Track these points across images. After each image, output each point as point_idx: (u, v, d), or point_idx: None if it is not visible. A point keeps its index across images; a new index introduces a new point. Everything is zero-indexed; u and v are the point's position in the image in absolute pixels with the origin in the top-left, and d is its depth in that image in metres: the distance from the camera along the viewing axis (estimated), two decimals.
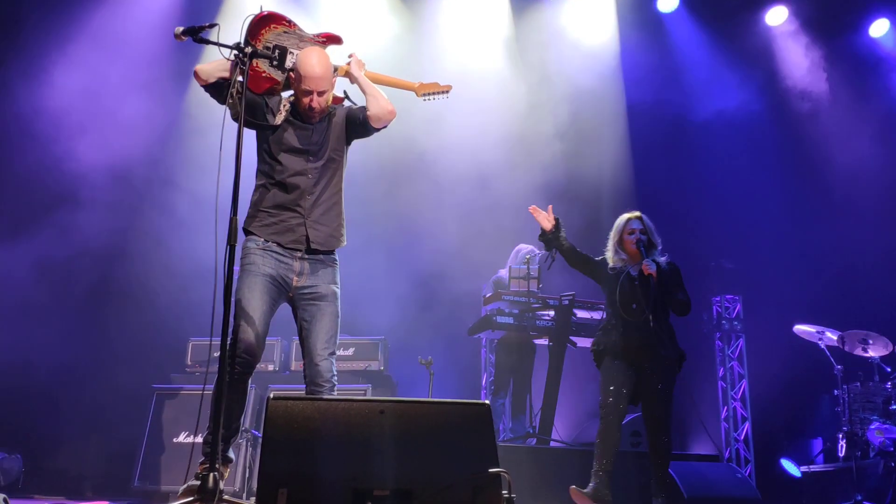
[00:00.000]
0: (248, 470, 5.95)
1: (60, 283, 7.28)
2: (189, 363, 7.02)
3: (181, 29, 3.48)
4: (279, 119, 3.92)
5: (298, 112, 3.93)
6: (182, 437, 6.18)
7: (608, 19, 8.97)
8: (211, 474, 2.98)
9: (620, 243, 5.05)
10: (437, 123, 8.12)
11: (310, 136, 3.93)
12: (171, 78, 7.96)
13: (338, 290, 3.92)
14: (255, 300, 3.71)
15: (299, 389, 6.46)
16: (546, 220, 5.10)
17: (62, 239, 7.33)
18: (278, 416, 2.64)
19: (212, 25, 3.54)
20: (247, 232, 3.87)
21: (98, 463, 6.81)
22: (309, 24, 8.12)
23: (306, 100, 3.84)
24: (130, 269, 7.66)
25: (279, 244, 3.82)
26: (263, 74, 3.88)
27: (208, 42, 3.50)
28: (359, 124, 4.01)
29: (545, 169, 8.15)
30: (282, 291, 3.83)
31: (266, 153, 3.94)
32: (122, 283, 7.64)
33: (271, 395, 2.72)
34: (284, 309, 4.08)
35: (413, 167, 8.17)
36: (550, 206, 5.10)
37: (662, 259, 5.02)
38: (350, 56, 4.14)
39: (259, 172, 3.97)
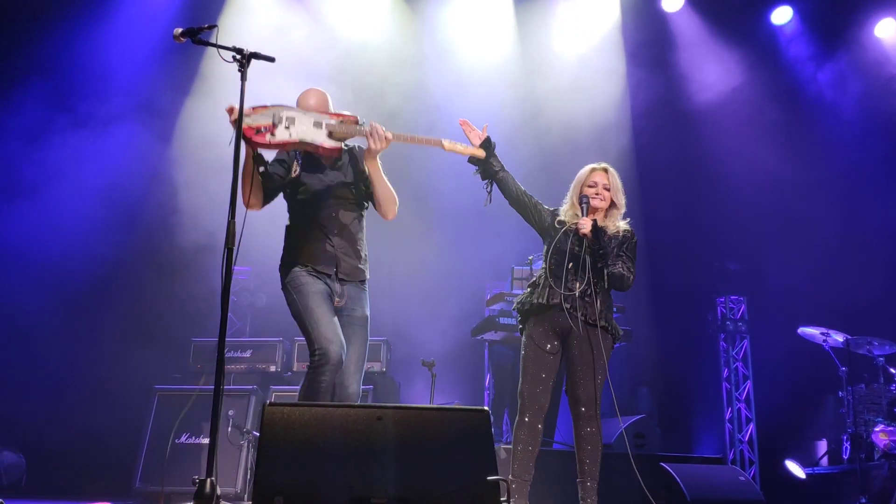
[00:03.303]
0: (249, 472, 5.94)
1: (62, 284, 7.27)
2: (191, 364, 7.02)
3: (180, 30, 3.46)
4: (295, 170, 4.04)
5: (312, 157, 4.03)
6: (184, 438, 6.17)
7: (612, 17, 8.93)
8: (208, 479, 2.96)
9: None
10: (439, 118, 8.10)
11: (324, 179, 4.06)
12: (172, 79, 7.97)
13: (368, 316, 4.10)
14: (327, 314, 3.88)
15: None
16: (476, 137, 4.36)
17: (64, 239, 7.32)
18: (275, 423, 2.62)
19: (211, 27, 3.52)
20: (289, 267, 4.03)
21: (100, 463, 6.81)
22: (309, 22, 8.21)
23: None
24: (132, 269, 7.66)
25: (318, 271, 3.99)
26: (271, 142, 3.83)
27: (207, 44, 3.48)
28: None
29: (547, 166, 8.11)
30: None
31: (289, 200, 4.13)
32: (123, 283, 7.64)
33: (267, 402, 2.70)
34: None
35: (416, 163, 8.14)
36: (486, 125, 4.39)
37: (623, 223, 4.37)
38: (370, 133, 3.91)
39: (289, 215, 4.16)
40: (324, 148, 3.84)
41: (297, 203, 4.08)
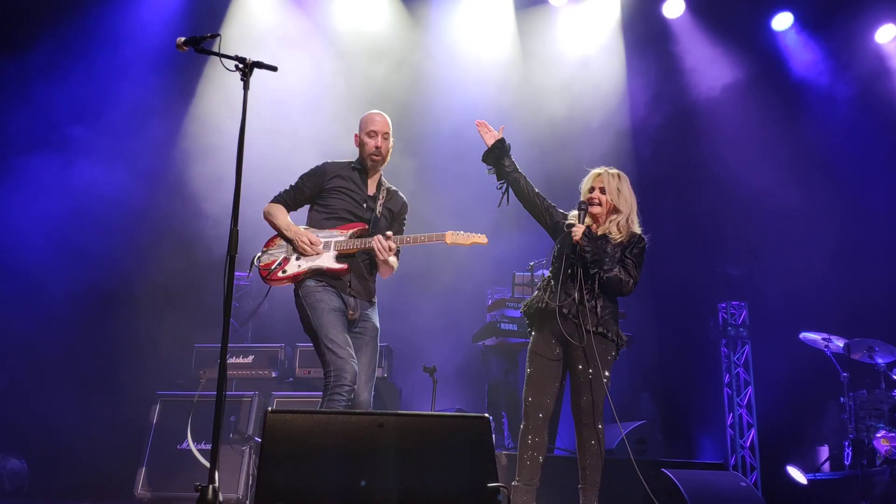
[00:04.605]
0: (251, 478, 5.95)
1: (66, 289, 7.29)
2: (193, 369, 7.03)
3: (183, 39, 3.49)
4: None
5: (352, 181, 4.36)
6: (186, 444, 6.18)
7: (612, 23, 8.96)
8: (210, 486, 2.97)
9: None
10: (440, 123, 8.12)
11: (355, 205, 4.33)
12: (177, 82, 8.00)
13: (378, 328, 4.36)
14: (341, 335, 4.06)
15: (303, 397, 6.52)
16: (492, 137, 4.48)
17: (67, 244, 7.35)
18: (276, 430, 2.64)
19: (213, 36, 3.54)
20: (302, 280, 4.21)
21: (102, 469, 6.81)
22: (310, 26, 8.22)
23: (371, 143, 4.32)
24: (136, 275, 7.68)
25: (330, 284, 4.18)
26: (283, 277, 4.19)
27: (210, 53, 3.51)
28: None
29: (547, 170, 8.13)
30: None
31: (313, 213, 4.39)
32: (127, 288, 7.65)
33: (269, 409, 2.71)
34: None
35: (419, 166, 8.16)
36: (503, 127, 4.52)
37: (635, 228, 4.38)
38: (376, 248, 4.15)
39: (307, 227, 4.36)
40: (331, 270, 4.15)
41: (320, 221, 4.30)
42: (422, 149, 8.17)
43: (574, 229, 4.19)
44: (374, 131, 4.33)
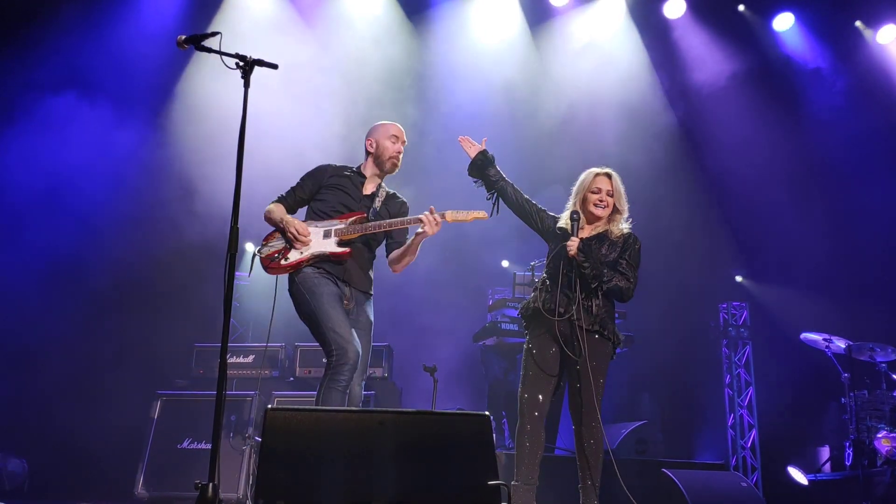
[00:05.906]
0: (251, 477, 5.94)
1: (66, 289, 7.29)
2: (193, 369, 7.02)
3: (183, 37, 3.49)
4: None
5: (348, 179, 4.37)
6: (186, 444, 6.17)
7: (613, 25, 8.96)
8: (210, 484, 2.96)
9: (583, 202, 4.37)
10: (447, 123, 8.12)
11: (351, 202, 4.32)
12: (176, 80, 8.00)
13: (373, 321, 4.33)
14: (341, 316, 4.05)
15: (303, 396, 6.51)
16: (475, 150, 4.54)
17: (69, 243, 7.34)
18: (277, 428, 2.63)
19: (214, 34, 3.54)
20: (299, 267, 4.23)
21: (102, 468, 6.81)
22: (306, 25, 8.20)
23: (393, 147, 4.36)
24: (136, 275, 7.67)
25: (328, 271, 4.17)
26: (285, 265, 4.19)
27: (210, 50, 3.50)
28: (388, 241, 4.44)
29: (547, 175, 8.13)
30: None
31: (312, 208, 4.39)
32: (127, 288, 7.65)
33: (269, 407, 2.71)
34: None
35: (418, 167, 8.16)
36: (485, 139, 4.58)
37: (626, 226, 4.37)
38: (428, 221, 4.12)
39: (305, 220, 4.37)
40: (334, 254, 4.16)
41: (318, 214, 4.31)
42: (419, 143, 8.17)
43: (569, 244, 4.16)
44: (395, 136, 4.39)
